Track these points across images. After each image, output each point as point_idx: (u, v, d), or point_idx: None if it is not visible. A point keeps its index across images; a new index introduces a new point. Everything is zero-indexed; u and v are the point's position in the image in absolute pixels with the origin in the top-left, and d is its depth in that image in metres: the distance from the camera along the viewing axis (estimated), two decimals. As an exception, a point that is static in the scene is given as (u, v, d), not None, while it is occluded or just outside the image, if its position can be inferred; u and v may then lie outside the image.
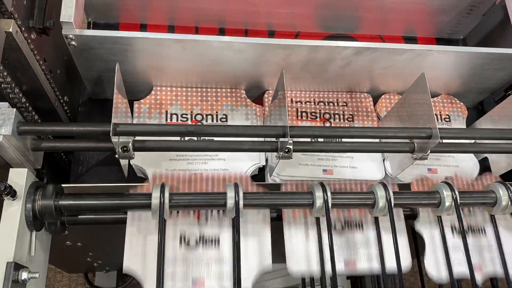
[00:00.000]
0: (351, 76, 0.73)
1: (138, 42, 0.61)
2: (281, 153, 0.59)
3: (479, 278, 0.62)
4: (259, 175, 0.74)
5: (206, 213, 0.60)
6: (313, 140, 0.66)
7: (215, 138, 0.63)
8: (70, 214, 0.60)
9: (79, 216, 0.60)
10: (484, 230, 0.66)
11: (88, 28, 0.80)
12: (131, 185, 0.63)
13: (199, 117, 0.73)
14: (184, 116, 0.73)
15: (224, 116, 0.74)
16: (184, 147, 0.58)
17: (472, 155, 0.76)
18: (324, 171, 0.71)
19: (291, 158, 0.60)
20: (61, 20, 0.56)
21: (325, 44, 0.64)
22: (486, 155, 0.75)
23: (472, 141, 0.73)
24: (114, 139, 0.53)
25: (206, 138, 0.66)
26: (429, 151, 0.61)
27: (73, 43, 0.59)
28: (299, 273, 0.59)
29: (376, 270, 0.60)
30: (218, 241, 0.59)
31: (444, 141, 0.72)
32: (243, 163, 0.70)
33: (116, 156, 0.56)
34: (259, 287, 1.44)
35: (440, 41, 0.92)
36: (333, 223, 0.61)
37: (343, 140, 0.66)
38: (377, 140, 0.68)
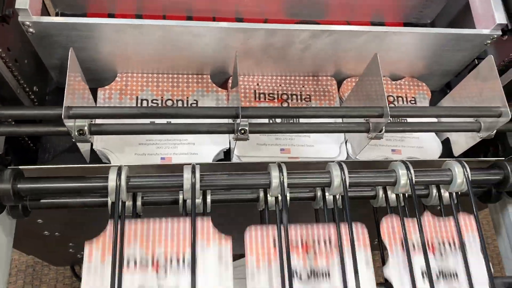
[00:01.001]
0: (313, 59, 0.74)
1: (95, 28, 0.62)
2: (238, 134, 0.60)
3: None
4: (225, 159, 0.75)
5: (165, 266, 0.56)
6: (270, 121, 0.67)
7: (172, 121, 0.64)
8: (32, 198, 0.61)
9: (41, 200, 0.62)
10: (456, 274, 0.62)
11: (56, 19, 0.81)
12: (94, 166, 0.64)
13: (169, 103, 0.74)
14: (154, 101, 0.73)
15: (195, 102, 0.75)
16: (140, 130, 0.59)
17: (434, 135, 0.77)
18: (282, 150, 0.73)
19: (248, 139, 0.61)
20: (16, 6, 0.57)
21: (280, 27, 0.65)
22: (447, 135, 0.76)
23: (435, 120, 0.74)
24: (69, 122, 0.55)
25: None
26: (383, 129, 0.62)
27: (31, 30, 0.60)
28: None
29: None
30: None
31: (409, 120, 0.74)
32: (211, 147, 0.71)
33: (73, 140, 0.57)
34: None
35: (408, 25, 0.93)
36: (298, 272, 0.59)
37: (300, 120, 0.67)
38: (339, 120, 0.70)
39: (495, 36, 0.69)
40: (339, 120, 0.71)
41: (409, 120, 0.72)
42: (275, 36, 0.66)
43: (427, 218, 0.65)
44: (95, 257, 0.56)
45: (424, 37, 0.70)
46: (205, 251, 0.57)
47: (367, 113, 0.61)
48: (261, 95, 0.77)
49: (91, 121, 0.58)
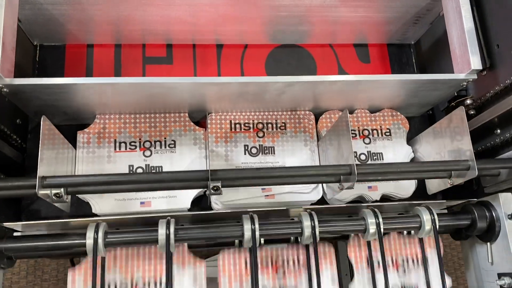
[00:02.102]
0: (290, 100, 0.74)
1: (69, 87, 0.62)
2: (211, 190, 0.62)
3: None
4: (204, 196, 0.77)
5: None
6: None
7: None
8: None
9: (25, 252, 0.65)
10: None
11: (35, 50, 0.81)
12: (75, 220, 0.66)
13: (147, 144, 0.75)
14: (132, 144, 0.75)
15: (173, 142, 0.76)
16: (117, 189, 0.61)
17: (409, 171, 0.79)
18: (263, 189, 0.75)
19: (221, 194, 0.63)
20: (-14, 72, 0.57)
21: (253, 80, 0.65)
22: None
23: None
24: (44, 191, 0.57)
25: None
26: (353, 183, 0.63)
27: (5, 90, 0.61)
28: None
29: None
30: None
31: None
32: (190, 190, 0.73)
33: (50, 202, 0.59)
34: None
35: (391, 46, 0.92)
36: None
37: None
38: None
39: (470, 80, 0.69)
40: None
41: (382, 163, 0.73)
42: (249, 87, 0.67)
43: (392, 236, 0.73)
44: (78, 283, 0.65)
45: (400, 82, 0.70)
46: (180, 273, 0.68)
47: (337, 172, 0.62)
48: (237, 125, 0.78)
49: (68, 181, 0.60)
